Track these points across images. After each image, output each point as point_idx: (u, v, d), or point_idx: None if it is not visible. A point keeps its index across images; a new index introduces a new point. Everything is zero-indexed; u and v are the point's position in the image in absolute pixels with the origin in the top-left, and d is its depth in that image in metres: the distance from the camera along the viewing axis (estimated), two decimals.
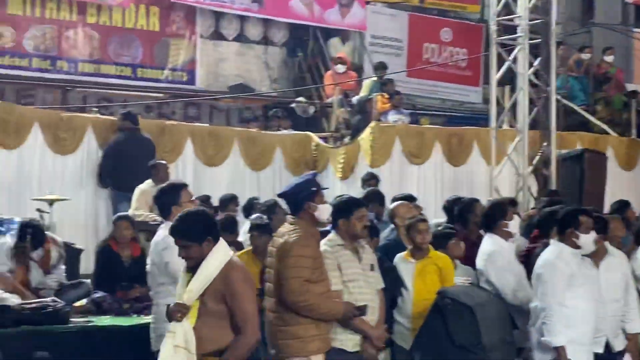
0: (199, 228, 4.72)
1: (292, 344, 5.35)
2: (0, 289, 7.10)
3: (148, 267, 5.52)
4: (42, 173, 11.20)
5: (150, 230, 8.70)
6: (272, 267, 5.49)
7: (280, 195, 5.76)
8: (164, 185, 5.87)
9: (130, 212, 9.58)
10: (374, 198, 8.85)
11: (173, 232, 4.81)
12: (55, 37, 14.55)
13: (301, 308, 5.30)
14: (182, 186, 5.70)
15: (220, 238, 4.83)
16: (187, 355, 4.59)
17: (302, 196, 5.48)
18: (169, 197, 5.57)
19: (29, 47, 14.32)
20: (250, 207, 10.09)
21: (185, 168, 12.14)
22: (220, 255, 4.72)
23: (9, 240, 7.91)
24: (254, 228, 7.67)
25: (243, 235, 8.87)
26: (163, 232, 5.44)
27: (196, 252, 4.69)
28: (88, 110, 12.96)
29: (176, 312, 4.68)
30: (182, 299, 4.70)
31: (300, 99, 15.56)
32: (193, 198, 5.63)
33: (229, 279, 4.64)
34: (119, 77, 15.08)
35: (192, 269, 4.74)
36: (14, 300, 6.99)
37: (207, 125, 13.73)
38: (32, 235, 7.83)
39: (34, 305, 6.87)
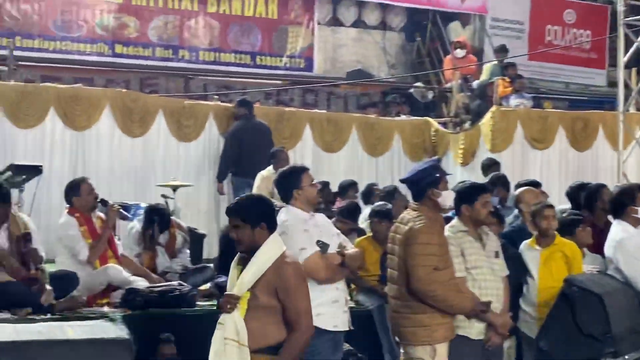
0: (256, 211, 4.64)
1: (417, 331, 5.29)
2: (128, 272, 7.32)
3: None
4: (166, 160, 11.54)
5: None
6: (394, 253, 5.45)
7: (402, 181, 5.70)
8: (284, 169, 5.87)
9: None
10: (500, 182, 8.72)
11: (229, 210, 4.73)
12: (177, 27, 14.92)
13: (428, 298, 5.23)
14: (303, 170, 5.64)
15: (275, 232, 4.70)
16: (239, 348, 4.49)
17: (426, 182, 5.41)
18: (290, 180, 5.55)
19: (152, 37, 14.73)
20: (369, 193, 10.12)
21: (304, 154, 12.28)
22: (273, 247, 4.61)
23: (137, 225, 8.15)
24: (374, 214, 7.69)
25: (363, 222, 8.91)
26: (282, 216, 5.44)
27: (247, 234, 4.59)
28: (209, 98, 13.25)
29: (226, 303, 4.56)
30: (232, 291, 4.58)
31: (419, 84, 15.49)
32: (314, 181, 5.61)
33: (282, 272, 4.53)
34: (239, 65, 15.37)
35: (242, 262, 4.64)
36: (141, 283, 7.20)
37: (325, 111, 13.82)
38: (158, 220, 8.04)
39: (161, 288, 7.05)
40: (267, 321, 4.52)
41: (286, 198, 5.55)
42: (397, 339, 5.58)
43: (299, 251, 5.21)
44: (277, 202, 7.05)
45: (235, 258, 4.74)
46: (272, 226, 4.67)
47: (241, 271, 4.61)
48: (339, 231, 5.72)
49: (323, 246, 5.34)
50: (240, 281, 4.56)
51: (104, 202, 7.69)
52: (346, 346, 6.54)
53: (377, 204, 8.16)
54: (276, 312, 4.53)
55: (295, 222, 5.35)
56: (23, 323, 6.04)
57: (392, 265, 5.48)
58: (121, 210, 8.22)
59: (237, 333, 4.48)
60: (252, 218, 4.60)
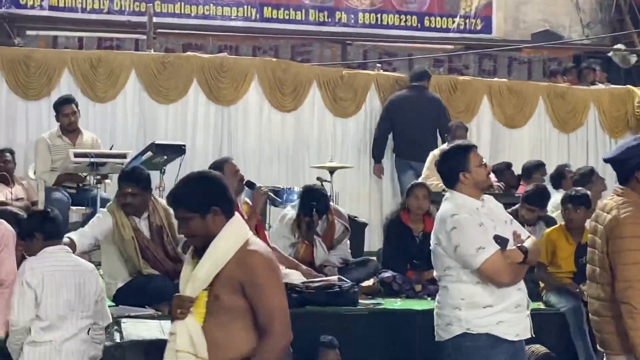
0: (202, 194, 4.28)
1: (624, 339, 5.12)
2: (282, 265, 7.42)
3: (432, 245, 5.46)
4: (321, 138, 11.68)
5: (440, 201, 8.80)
6: (595, 247, 5.31)
7: (607, 161, 5.54)
8: (447, 148, 5.73)
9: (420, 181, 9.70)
10: None
11: (169, 199, 4.43)
12: None
13: (627, 310, 4.97)
14: (470, 148, 5.41)
15: (236, 213, 4.37)
16: None
17: (635, 163, 5.21)
18: (454, 161, 5.35)
19: None
20: (560, 176, 10.00)
21: (481, 130, 12.24)
22: (234, 233, 4.27)
23: (291, 212, 8.23)
24: (569, 200, 7.59)
25: (553, 210, 8.77)
26: (449, 207, 5.29)
27: (199, 226, 4.24)
28: (370, 67, 13.29)
29: (176, 308, 4.25)
30: (185, 291, 4.28)
31: (619, 46, 15.14)
32: (484, 162, 5.47)
33: (249, 264, 4.18)
34: (404, 27, 15.32)
35: (198, 253, 4.32)
36: (295, 277, 7.29)
37: (506, 80, 13.65)
38: (316, 205, 8.07)
39: (318, 284, 7.13)
40: (232, 327, 4.22)
41: (450, 183, 5.42)
42: (599, 347, 5.44)
43: (475, 251, 5.10)
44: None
45: (189, 251, 4.47)
46: (227, 208, 4.32)
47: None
48: (510, 217, 5.60)
49: (502, 242, 5.22)
50: (193, 279, 4.25)
51: (250, 185, 7.79)
52: (542, 349, 6.65)
53: (572, 188, 8.02)
54: (244, 314, 4.21)
55: (468, 214, 5.22)
56: (168, 320, 6.27)
57: (593, 261, 5.33)
58: (270, 194, 8.32)
59: (192, 344, 4.21)
60: (198, 204, 4.27)
